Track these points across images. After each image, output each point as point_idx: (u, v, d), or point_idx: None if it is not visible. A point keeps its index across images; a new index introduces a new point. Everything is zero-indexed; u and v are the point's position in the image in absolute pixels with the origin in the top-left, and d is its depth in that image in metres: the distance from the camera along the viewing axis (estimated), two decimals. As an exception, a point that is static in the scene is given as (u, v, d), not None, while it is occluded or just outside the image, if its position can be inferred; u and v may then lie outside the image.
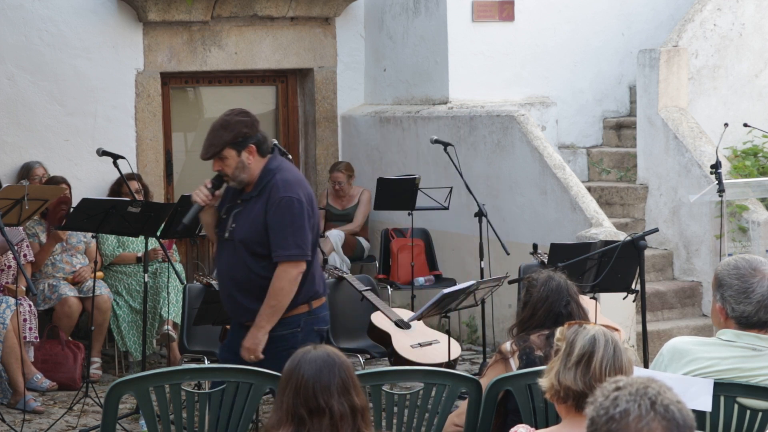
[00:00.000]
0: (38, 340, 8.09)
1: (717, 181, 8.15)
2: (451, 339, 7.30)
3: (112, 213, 7.29)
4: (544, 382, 3.54)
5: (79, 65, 9.92)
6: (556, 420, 3.80)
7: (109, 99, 10.04)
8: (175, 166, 10.48)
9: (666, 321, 9.19)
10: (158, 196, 9.89)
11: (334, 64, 10.99)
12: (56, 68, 9.84)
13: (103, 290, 8.49)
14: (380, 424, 4.55)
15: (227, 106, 11.06)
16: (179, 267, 8.67)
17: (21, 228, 7.73)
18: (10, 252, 7.66)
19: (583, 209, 8.78)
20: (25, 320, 7.90)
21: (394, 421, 4.65)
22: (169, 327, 8.48)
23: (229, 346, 5.57)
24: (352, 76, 11.11)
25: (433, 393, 4.61)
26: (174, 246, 8.95)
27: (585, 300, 5.30)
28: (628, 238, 6.85)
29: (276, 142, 9.10)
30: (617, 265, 6.77)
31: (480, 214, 8.37)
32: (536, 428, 3.82)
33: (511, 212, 9.38)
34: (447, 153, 8.59)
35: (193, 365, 4.81)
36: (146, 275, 7.72)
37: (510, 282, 7.39)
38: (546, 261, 7.28)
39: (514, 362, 4.71)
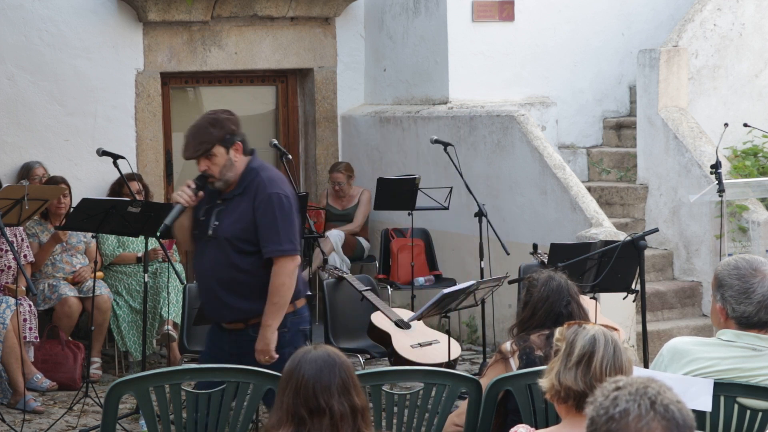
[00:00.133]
0: (38, 340, 8.09)
1: (717, 181, 8.15)
2: (451, 339, 7.30)
3: (112, 213, 7.29)
4: (544, 383, 3.54)
5: (79, 65, 9.92)
6: (556, 420, 3.80)
7: (109, 99, 10.04)
8: (175, 166, 10.48)
9: (666, 321, 9.19)
10: (158, 196, 9.89)
11: (334, 64, 11.00)
12: (56, 68, 9.84)
13: (103, 290, 8.49)
14: (380, 424, 4.55)
15: (227, 106, 11.05)
16: (179, 267, 8.67)
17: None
18: (10, 252, 7.66)
19: (583, 209, 8.78)
20: (25, 320, 7.90)
21: (394, 421, 4.65)
22: (169, 327, 8.48)
23: (210, 354, 5.50)
24: (352, 76, 11.11)
25: (433, 393, 4.61)
26: (174, 246, 8.95)
27: (585, 300, 5.30)
28: (628, 238, 6.85)
29: (276, 142, 9.17)
30: (617, 265, 6.77)
31: (480, 214, 8.37)
32: (536, 428, 3.82)
33: (511, 212, 9.38)
34: (447, 153, 8.59)
35: (193, 365, 4.80)
36: (146, 275, 7.71)
37: (510, 282, 7.39)
38: (546, 261, 7.28)
39: (514, 362, 4.71)
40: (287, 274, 5.30)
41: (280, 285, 5.29)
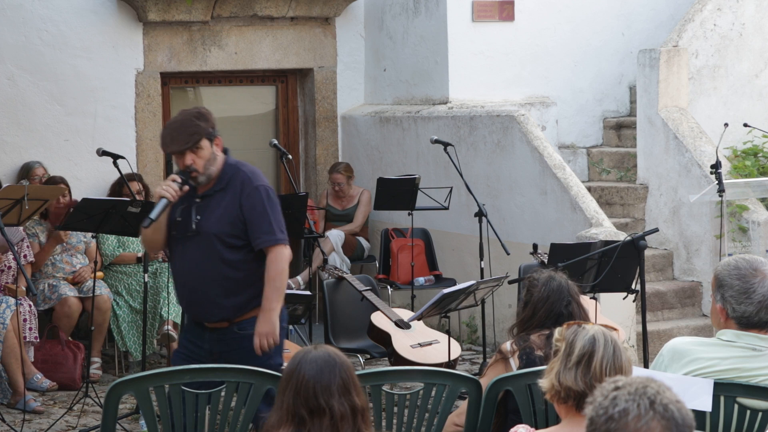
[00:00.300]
0: (38, 340, 8.09)
1: (717, 181, 8.15)
2: (451, 339, 7.30)
3: (112, 213, 7.30)
4: (544, 383, 3.54)
5: (79, 65, 9.92)
6: (556, 420, 3.80)
7: (109, 99, 10.04)
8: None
9: (666, 321, 9.19)
10: (158, 196, 9.88)
11: (334, 64, 11.00)
12: (56, 68, 9.84)
13: (103, 290, 8.49)
14: (380, 424, 4.54)
15: (227, 106, 11.18)
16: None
17: (21, 228, 7.74)
18: (10, 252, 7.66)
19: (583, 209, 8.78)
20: (25, 320, 7.91)
21: (394, 421, 4.65)
22: (169, 327, 8.47)
23: (185, 354, 5.47)
24: (352, 76, 11.11)
25: (433, 393, 4.61)
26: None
27: (585, 300, 5.30)
28: (628, 238, 6.85)
29: (276, 142, 9.18)
30: (617, 265, 6.78)
31: (480, 214, 8.37)
32: (536, 428, 3.82)
33: (511, 212, 9.38)
34: (447, 153, 8.59)
35: (193, 365, 4.80)
36: (146, 275, 7.72)
37: (510, 282, 7.39)
38: (546, 261, 7.28)
39: (514, 362, 4.71)
40: (285, 260, 5.36)
41: (280, 271, 5.33)
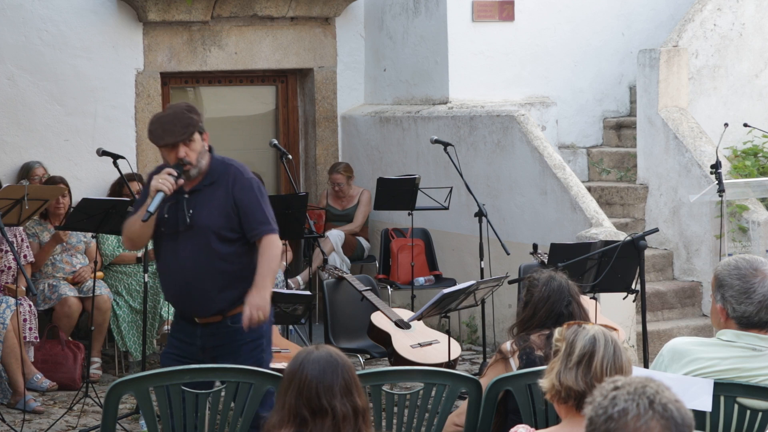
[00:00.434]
0: (38, 340, 8.09)
1: (717, 181, 8.15)
2: (451, 339, 7.30)
3: (112, 213, 7.30)
4: (544, 383, 3.54)
5: (79, 65, 9.92)
6: (556, 420, 3.80)
7: (109, 99, 10.04)
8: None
9: (666, 321, 9.19)
10: (158, 196, 9.88)
11: (334, 64, 11.00)
12: (56, 68, 9.84)
13: (103, 290, 8.49)
14: (380, 424, 4.54)
15: (227, 106, 11.18)
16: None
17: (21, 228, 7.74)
18: (10, 252, 7.66)
19: (583, 209, 8.78)
20: (25, 320, 7.90)
21: (394, 421, 4.65)
22: (169, 327, 8.47)
23: (175, 354, 5.46)
24: (352, 76, 11.11)
25: (433, 393, 4.61)
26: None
27: (585, 300, 5.30)
28: (628, 238, 6.85)
29: (276, 142, 9.17)
30: (617, 265, 6.77)
31: (480, 214, 8.37)
32: (536, 428, 3.82)
33: (511, 212, 9.38)
34: (447, 153, 8.59)
35: (193, 365, 4.80)
36: (146, 275, 7.72)
37: (510, 282, 7.39)
38: (546, 261, 7.28)
39: (514, 362, 4.71)
40: (279, 248, 5.43)
41: (275, 255, 5.38)
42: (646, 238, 6.88)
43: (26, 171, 9.48)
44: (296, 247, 10.26)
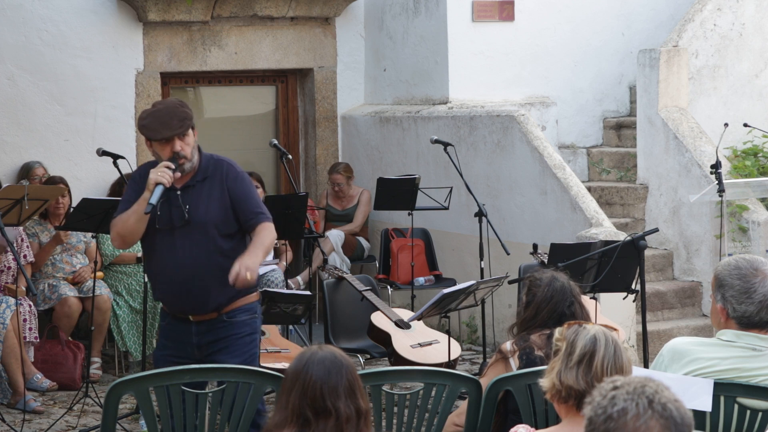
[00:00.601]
0: (38, 340, 8.09)
1: (717, 181, 8.15)
2: (451, 339, 7.30)
3: (112, 213, 7.27)
4: (545, 382, 3.55)
5: (79, 65, 9.92)
6: (556, 420, 3.80)
7: (109, 99, 10.04)
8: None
9: (666, 321, 9.19)
10: (158, 196, 9.88)
11: (334, 64, 11.00)
12: (56, 68, 9.84)
13: (103, 290, 8.49)
14: (380, 424, 4.54)
15: (227, 106, 11.17)
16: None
17: (21, 228, 7.74)
18: (10, 252, 7.66)
19: (583, 209, 8.78)
20: (25, 320, 7.91)
21: (394, 421, 4.65)
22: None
23: (167, 355, 5.42)
24: (352, 76, 11.11)
25: (433, 393, 4.61)
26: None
27: (585, 300, 5.30)
28: (628, 238, 6.85)
29: (276, 142, 9.17)
30: (617, 265, 6.77)
31: (480, 214, 8.37)
32: (536, 428, 3.82)
33: (511, 212, 9.38)
34: (447, 153, 8.59)
35: (194, 365, 4.80)
36: (146, 275, 7.71)
37: (510, 282, 7.39)
38: (546, 261, 7.27)
39: (514, 362, 4.71)
40: (274, 232, 5.40)
41: (270, 236, 5.36)
42: (646, 238, 6.88)
43: (26, 171, 9.48)
44: (296, 247, 10.26)
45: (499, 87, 10.53)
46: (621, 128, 10.82)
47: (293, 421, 3.33)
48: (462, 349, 8.83)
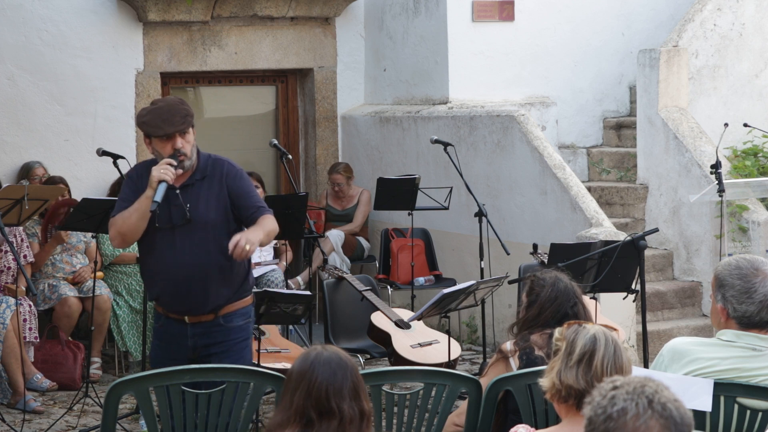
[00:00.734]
0: (38, 340, 8.09)
1: (717, 181, 8.15)
2: (451, 339, 7.29)
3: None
4: (545, 382, 3.55)
5: (79, 65, 9.92)
6: (556, 420, 3.80)
7: (109, 99, 10.04)
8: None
9: (666, 321, 9.19)
10: (158, 196, 9.88)
11: (334, 64, 11.00)
12: (56, 68, 9.84)
13: (103, 290, 8.49)
14: (380, 424, 4.54)
15: (227, 106, 11.17)
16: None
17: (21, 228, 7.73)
18: (10, 252, 7.66)
19: (583, 209, 8.78)
20: (25, 320, 7.91)
21: (394, 421, 4.65)
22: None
23: (162, 357, 5.40)
24: (352, 76, 11.11)
25: (433, 393, 4.61)
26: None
27: (585, 300, 5.30)
28: (628, 238, 6.85)
29: (276, 142, 9.17)
30: (617, 265, 6.77)
31: (480, 214, 8.37)
32: (536, 428, 3.82)
33: (511, 212, 9.38)
34: (447, 153, 8.59)
35: (194, 365, 4.80)
36: (142, 274, 7.70)
37: (510, 282, 7.38)
38: (546, 261, 7.27)
39: (514, 362, 4.71)
40: (275, 224, 5.38)
41: (275, 226, 5.36)
42: (646, 238, 6.88)
43: (26, 171, 9.48)
44: (296, 247, 10.26)
45: (499, 87, 10.53)
46: (621, 128, 10.82)
47: (296, 421, 3.32)
48: (462, 349, 8.83)
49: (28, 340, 7.94)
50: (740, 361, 4.04)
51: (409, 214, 9.03)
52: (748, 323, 4.01)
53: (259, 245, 5.26)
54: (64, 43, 9.86)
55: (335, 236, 10.12)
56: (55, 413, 7.62)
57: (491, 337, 8.79)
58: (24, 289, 7.85)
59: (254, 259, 8.62)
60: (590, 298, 6.84)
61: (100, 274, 8.42)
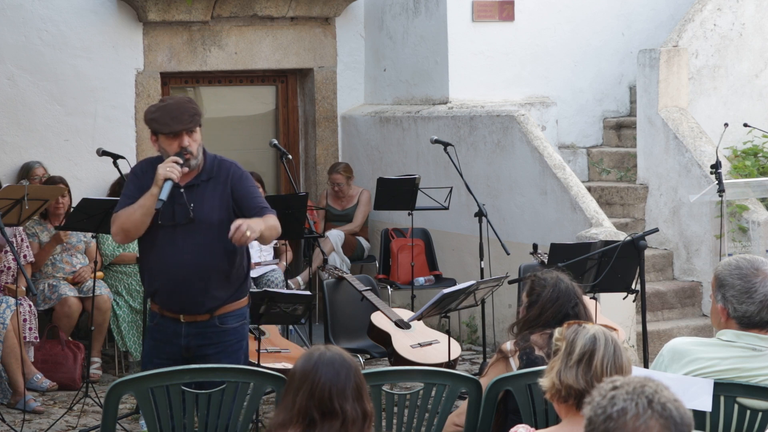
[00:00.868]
0: (38, 340, 8.09)
1: (717, 181, 8.15)
2: (451, 339, 7.29)
3: (112, 213, 7.28)
4: (544, 382, 3.55)
5: (79, 65, 9.92)
6: (556, 420, 3.80)
7: (109, 99, 10.04)
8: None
9: (666, 321, 9.19)
10: (158, 196, 9.88)
11: (334, 64, 11.00)
12: (56, 68, 9.84)
13: (103, 290, 8.49)
14: (380, 424, 4.54)
15: (227, 106, 11.17)
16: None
17: (21, 228, 7.73)
18: (10, 252, 7.66)
19: (583, 209, 8.78)
20: (25, 320, 7.91)
21: (394, 421, 4.65)
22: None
23: (154, 356, 5.39)
24: (352, 76, 11.11)
25: (433, 393, 4.61)
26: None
27: (585, 300, 5.30)
28: (628, 238, 6.85)
29: (276, 142, 9.17)
30: (617, 265, 6.77)
31: (480, 214, 8.37)
32: (536, 428, 3.82)
33: (511, 212, 9.38)
34: (447, 153, 8.59)
35: (193, 365, 4.80)
36: (141, 271, 7.70)
37: (510, 282, 7.38)
38: (546, 261, 7.27)
39: (514, 362, 4.71)
40: (278, 224, 5.39)
41: (277, 224, 5.38)
42: (646, 238, 6.88)
43: (26, 171, 9.48)
44: (296, 247, 10.26)
45: (499, 87, 10.53)
46: (621, 128, 10.82)
47: (298, 422, 3.32)
48: (462, 349, 8.83)
49: (28, 340, 7.94)
50: (740, 361, 4.04)
51: (409, 214, 9.03)
52: (749, 323, 4.01)
53: (259, 239, 5.26)
54: (64, 43, 9.86)
55: (335, 236, 10.12)
56: (55, 413, 7.62)
57: (491, 337, 8.79)
58: (24, 289, 7.84)
59: (254, 259, 8.64)
60: (590, 298, 6.84)
61: (100, 274, 8.42)
